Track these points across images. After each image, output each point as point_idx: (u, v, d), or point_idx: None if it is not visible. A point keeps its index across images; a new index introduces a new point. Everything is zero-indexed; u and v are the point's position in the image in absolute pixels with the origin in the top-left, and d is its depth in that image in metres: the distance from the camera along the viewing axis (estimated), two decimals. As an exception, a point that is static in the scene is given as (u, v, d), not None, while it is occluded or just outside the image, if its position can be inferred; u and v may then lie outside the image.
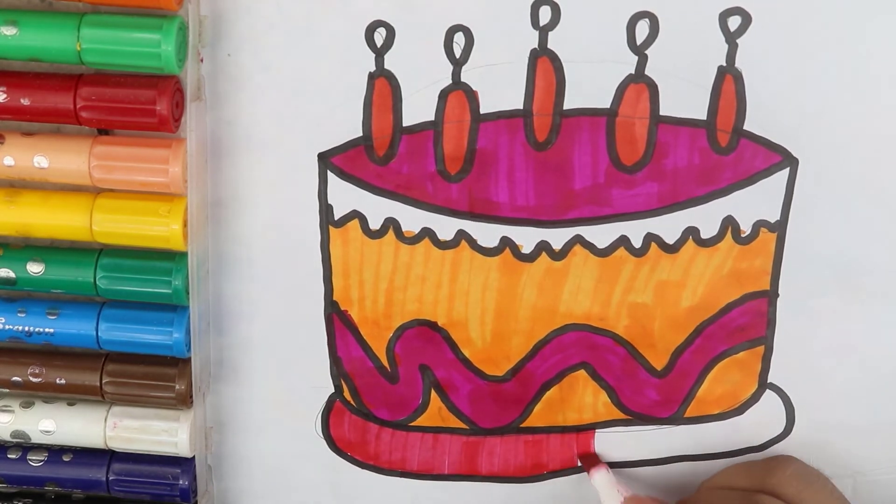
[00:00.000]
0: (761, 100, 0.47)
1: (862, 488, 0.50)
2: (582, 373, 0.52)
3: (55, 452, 0.52)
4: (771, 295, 0.51)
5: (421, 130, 0.48)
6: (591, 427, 0.53)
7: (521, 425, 0.53)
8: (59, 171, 0.47)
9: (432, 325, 0.51)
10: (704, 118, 0.47)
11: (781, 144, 0.48)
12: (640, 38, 0.46)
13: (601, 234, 0.49)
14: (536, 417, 0.53)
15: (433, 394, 0.53)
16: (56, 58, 0.45)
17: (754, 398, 0.52)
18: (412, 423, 0.53)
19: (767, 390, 0.52)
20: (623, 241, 0.49)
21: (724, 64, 0.46)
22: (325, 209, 0.49)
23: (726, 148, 0.47)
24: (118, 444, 0.52)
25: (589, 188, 0.48)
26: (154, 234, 0.48)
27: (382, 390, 0.53)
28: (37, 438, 0.52)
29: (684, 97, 0.47)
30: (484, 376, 0.52)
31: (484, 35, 0.46)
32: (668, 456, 0.54)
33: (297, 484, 0.55)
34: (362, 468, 0.54)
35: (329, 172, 0.48)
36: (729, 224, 0.49)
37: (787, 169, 0.48)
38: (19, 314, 0.50)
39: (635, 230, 0.49)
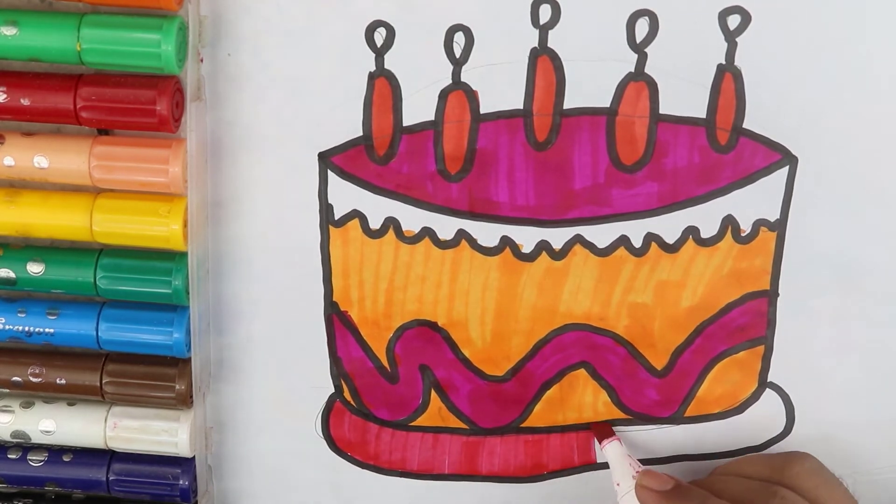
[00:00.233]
0: (761, 98, 0.47)
1: (862, 488, 0.50)
2: (582, 372, 0.52)
3: (55, 452, 0.52)
4: (771, 294, 0.51)
5: (421, 130, 0.48)
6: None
7: (521, 425, 0.53)
8: (59, 171, 0.47)
9: (432, 325, 0.51)
10: (704, 116, 0.47)
11: (781, 143, 0.48)
12: (639, 37, 0.46)
13: (601, 234, 0.49)
14: (536, 417, 0.53)
15: (433, 394, 0.53)
16: (56, 58, 0.45)
17: (754, 398, 0.52)
18: (412, 423, 0.53)
19: (767, 390, 0.52)
20: (623, 241, 0.49)
21: (724, 62, 0.46)
22: (325, 209, 0.49)
23: (726, 146, 0.48)
24: (118, 444, 0.52)
25: (589, 188, 0.48)
26: (154, 234, 0.48)
27: (382, 390, 0.53)
28: (37, 438, 0.52)
29: (684, 96, 0.47)
30: (484, 376, 0.52)
31: (484, 35, 0.46)
32: (668, 455, 0.54)
33: (297, 484, 0.55)
34: (362, 468, 0.54)
35: (329, 172, 0.48)
36: (729, 223, 0.49)
37: (787, 167, 0.48)
38: (19, 314, 0.50)
39: (635, 230, 0.49)
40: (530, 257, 0.50)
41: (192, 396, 0.51)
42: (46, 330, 0.49)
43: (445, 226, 0.49)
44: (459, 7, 0.46)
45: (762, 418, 0.53)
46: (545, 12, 0.45)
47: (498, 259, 0.50)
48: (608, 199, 0.49)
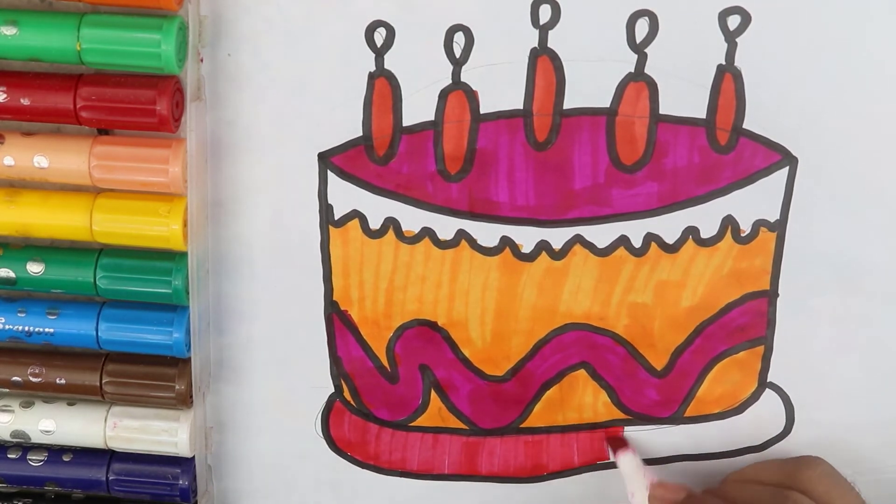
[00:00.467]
0: (761, 99, 0.47)
1: (862, 488, 0.50)
2: (582, 372, 0.52)
3: (55, 452, 0.52)
4: (771, 294, 0.51)
5: (421, 130, 0.48)
6: (592, 427, 0.53)
7: (521, 425, 0.53)
8: (59, 171, 0.47)
9: (432, 325, 0.51)
10: (704, 117, 0.47)
11: (781, 143, 0.48)
12: (639, 37, 0.46)
13: (601, 234, 0.49)
14: (536, 417, 0.53)
15: (433, 394, 0.53)
16: (56, 58, 0.45)
17: (754, 398, 0.52)
18: (412, 423, 0.53)
19: (767, 390, 0.52)
20: (623, 241, 0.49)
21: (724, 63, 0.46)
22: (325, 209, 0.49)
23: (726, 147, 0.48)
24: (118, 444, 0.52)
25: (589, 188, 0.48)
26: (154, 234, 0.48)
27: (382, 390, 0.53)
28: (37, 438, 0.52)
29: (684, 96, 0.47)
30: (484, 376, 0.52)
31: (484, 35, 0.46)
32: (668, 456, 0.54)
33: (297, 484, 0.55)
34: (362, 468, 0.54)
35: (329, 172, 0.48)
36: (729, 223, 0.49)
37: (787, 168, 0.48)
38: (19, 314, 0.50)
39: (635, 230, 0.49)
40: (530, 257, 0.50)
41: (192, 396, 0.51)
42: (46, 330, 0.49)
43: (445, 226, 0.49)
44: (459, 7, 0.46)
45: (762, 418, 0.53)
46: (545, 12, 0.45)
47: (498, 259, 0.50)
48: (608, 199, 0.49)
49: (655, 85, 0.47)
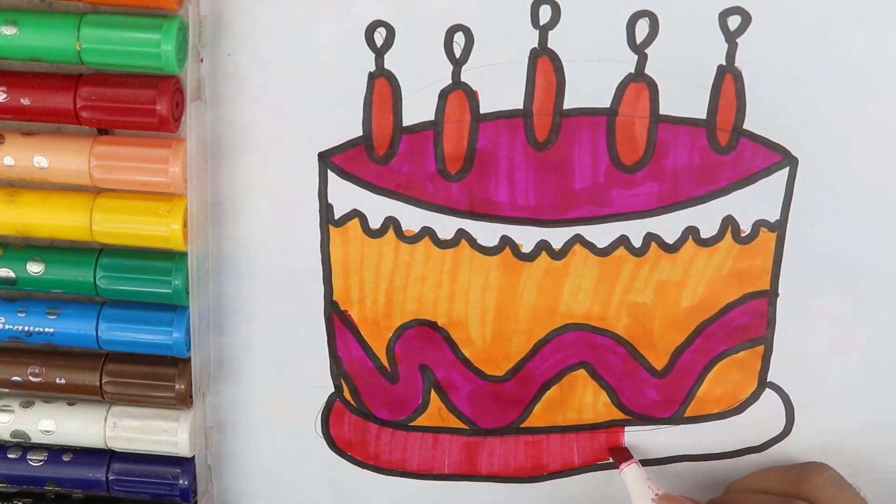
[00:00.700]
0: (761, 99, 0.47)
1: (862, 488, 0.50)
2: (582, 372, 0.52)
3: (55, 452, 0.52)
4: (771, 295, 0.51)
5: (421, 130, 0.48)
6: (592, 427, 0.53)
7: (521, 425, 0.53)
8: (59, 171, 0.47)
9: (432, 325, 0.51)
10: (704, 117, 0.47)
11: (781, 144, 0.48)
12: (639, 38, 0.46)
13: (601, 234, 0.49)
14: (536, 417, 0.53)
15: (433, 394, 0.53)
16: (56, 58, 0.45)
17: (754, 398, 0.52)
18: (412, 423, 0.53)
19: (767, 390, 0.52)
20: (623, 241, 0.49)
21: (724, 63, 0.46)
22: (325, 209, 0.49)
23: (726, 147, 0.48)
24: (118, 444, 0.52)
25: (589, 188, 0.48)
26: (154, 234, 0.48)
27: (382, 390, 0.53)
28: (37, 438, 0.52)
29: (684, 96, 0.47)
30: (484, 376, 0.52)
31: (484, 35, 0.46)
32: (668, 456, 0.54)
33: (297, 484, 0.55)
34: (362, 468, 0.54)
35: (329, 172, 0.48)
36: (729, 224, 0.49)
37: (787, 168, 0.48)
38: (19, 314, 0.50)
39: (635, 230, 0.49)
40: (530, 257, 0.50)
41: (191, 396, 0.51)
42: (46, 330, 0.49)
43: (445, 226, 0.49)
44: (459, 7, 0.46)
45: (762, 418, 0.53)
46: (545, 13, 0.45)
47: (498, 259, 0.50)
48: (608, 199, 0.49)
49: (655, 85, 0.47)
